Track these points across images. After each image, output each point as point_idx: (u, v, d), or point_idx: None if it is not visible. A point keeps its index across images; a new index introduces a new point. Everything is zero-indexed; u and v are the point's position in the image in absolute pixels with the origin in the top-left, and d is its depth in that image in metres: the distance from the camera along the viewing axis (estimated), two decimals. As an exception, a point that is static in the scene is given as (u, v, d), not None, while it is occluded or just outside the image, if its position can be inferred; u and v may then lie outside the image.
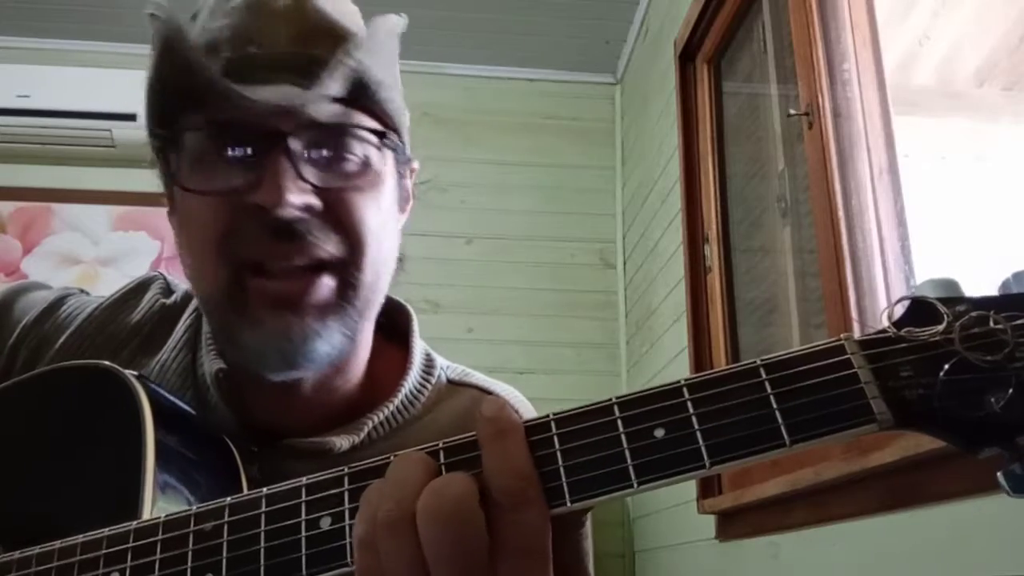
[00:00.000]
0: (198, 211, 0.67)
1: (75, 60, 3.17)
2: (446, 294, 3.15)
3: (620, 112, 3.49)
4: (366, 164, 0.68)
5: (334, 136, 0.66)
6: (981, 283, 0.48)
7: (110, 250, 3.14)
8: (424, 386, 0.79)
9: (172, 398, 0.70)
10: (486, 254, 3.27)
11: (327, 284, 0.66)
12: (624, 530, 2.95)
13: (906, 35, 2.16)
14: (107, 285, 0.87)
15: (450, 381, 0.81)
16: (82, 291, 0.87)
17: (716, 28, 2.44)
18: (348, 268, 0.67)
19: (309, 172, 0.65)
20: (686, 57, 2.60)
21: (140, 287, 0.85)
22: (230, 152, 0.65)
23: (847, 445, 1.48)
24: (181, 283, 0.84)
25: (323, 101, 0.64)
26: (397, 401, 0.76)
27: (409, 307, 0.83)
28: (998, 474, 0.45)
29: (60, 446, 0.65)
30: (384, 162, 0.70)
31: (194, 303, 0.80)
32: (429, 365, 0.81)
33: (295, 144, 0.64)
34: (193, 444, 0.66)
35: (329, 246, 0.66)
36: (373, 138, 0.68)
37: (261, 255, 0.65)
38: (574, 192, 3.37)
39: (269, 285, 0.65)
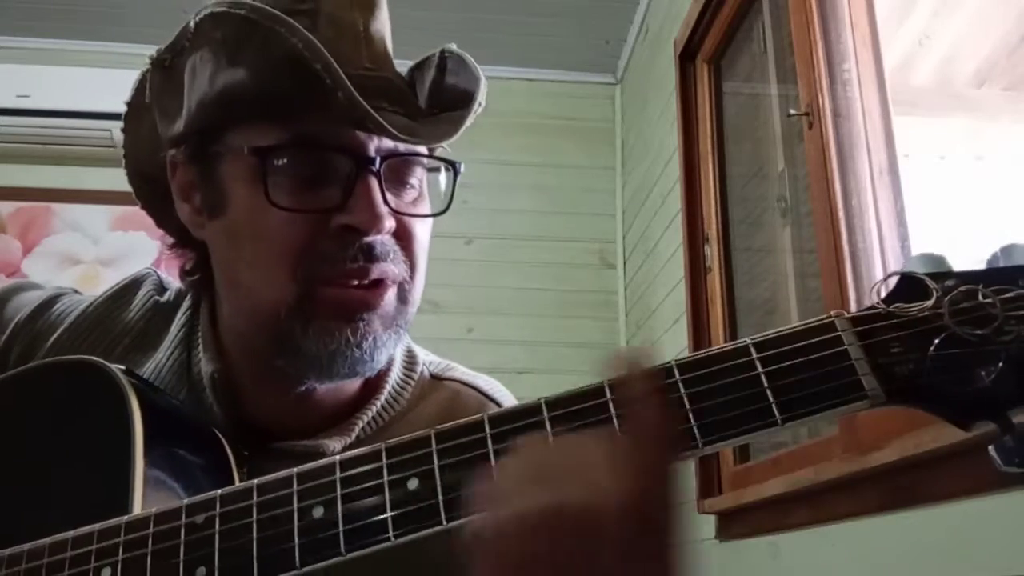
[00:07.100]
0: (275, 227, 0.66)
1: (75, 60, 3.16)
2: (446, 294, 3.15)
3: (620, 112, 3.48)
4: (421, 189, 0.72)
5: (408, 164, 0.70)
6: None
7: (110, 250, 3.14)
8: (407, 382, 0.79)
9: (159, 392, 0.69)
10: (486, 254, 3.26)
11: (393, 297, 0.69)
12: (624, 530, 2.95)
13: (906, 35, 2.16)
14: (107, 285, 0.86)
15: (433, 376, 0.82)
16: (75, 291, 0.86)
17: (716, 28, 2.44)
18: (406, 286, 0.70)
19: (390, 197, 0.67)
20: (686, 57, 2.60)
21: (133, 284, 0.84)
22: (318, 171, 0.66)
23: (846, 444, 1.48)
24: (173, 281, 0.84)
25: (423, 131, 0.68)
26: (383, 399, 0.76)
27: None
28: (990, 447, 0.45)
29: (46, 443, 0.64)
30: (427, 184, 0.74)
31: (188, 301, 0.79)
32: (411, 361, 0.81)
33: (382, 169, 0.67)
34: (182, 438, 0.66)
35: (397, 267, 0.69)
36: (437, 166, 0.73)
37: (338, 273, 0.66)
38: (574, 192, 3.36)
39: (343, 294, 0.66)
